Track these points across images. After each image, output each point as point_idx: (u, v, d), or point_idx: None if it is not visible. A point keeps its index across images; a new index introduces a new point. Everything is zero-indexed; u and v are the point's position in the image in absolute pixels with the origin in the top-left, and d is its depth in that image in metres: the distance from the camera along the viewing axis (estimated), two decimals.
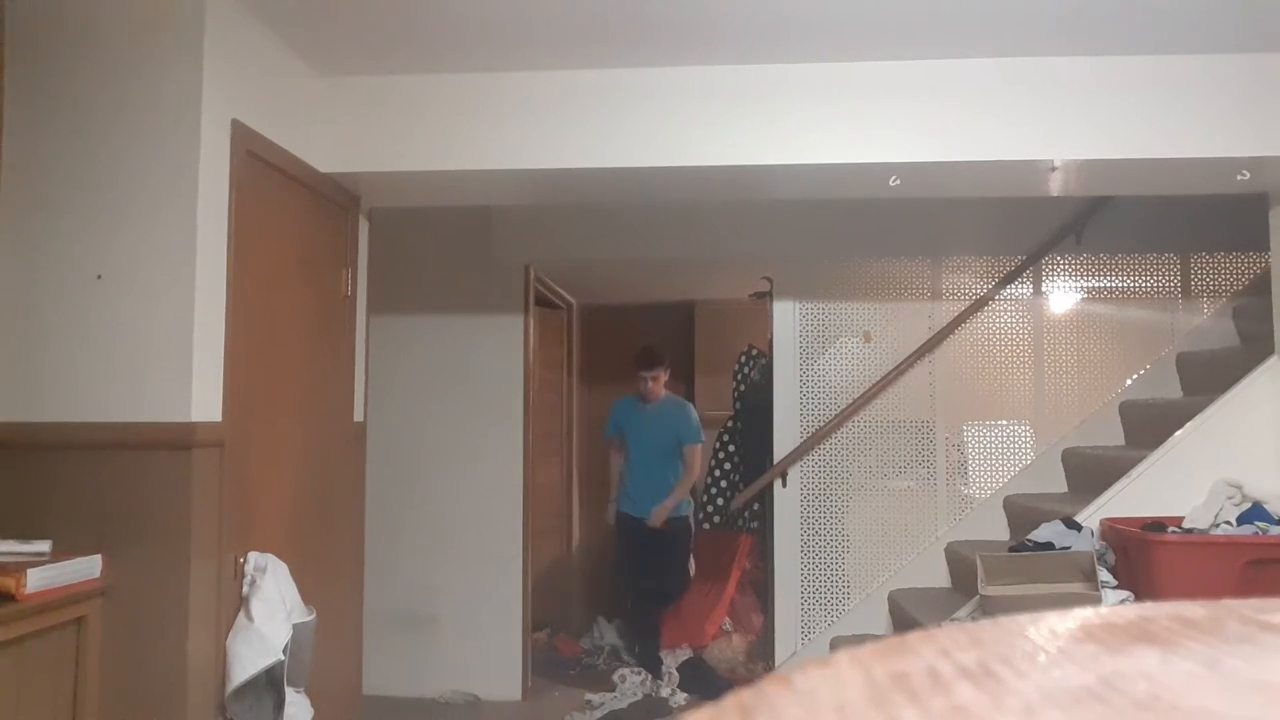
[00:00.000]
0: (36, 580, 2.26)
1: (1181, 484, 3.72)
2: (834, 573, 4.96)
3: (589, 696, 4.97)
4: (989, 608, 3.40)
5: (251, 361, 2.89)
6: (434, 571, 4.96)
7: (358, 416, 3.72)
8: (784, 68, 3.31)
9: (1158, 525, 3.51)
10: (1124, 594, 3.31)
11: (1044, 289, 5.04)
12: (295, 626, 2.81)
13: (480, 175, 3.41)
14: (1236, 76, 3.24)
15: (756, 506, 5.41)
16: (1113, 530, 3.60)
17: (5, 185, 2.64)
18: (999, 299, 4.98)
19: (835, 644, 4.94)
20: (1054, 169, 3.40)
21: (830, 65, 3.32)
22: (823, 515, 4.97)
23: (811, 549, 4.96)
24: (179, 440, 2.56)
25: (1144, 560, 3.34)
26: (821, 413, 5.00)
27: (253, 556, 2.82)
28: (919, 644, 0.12)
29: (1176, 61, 3.26)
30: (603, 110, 3.36)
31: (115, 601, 2.51)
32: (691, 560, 5.55)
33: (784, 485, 4.96)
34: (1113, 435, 4.86)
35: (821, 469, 4.98)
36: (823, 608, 4.93)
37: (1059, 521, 3.70)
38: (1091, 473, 4.40)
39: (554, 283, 6.01)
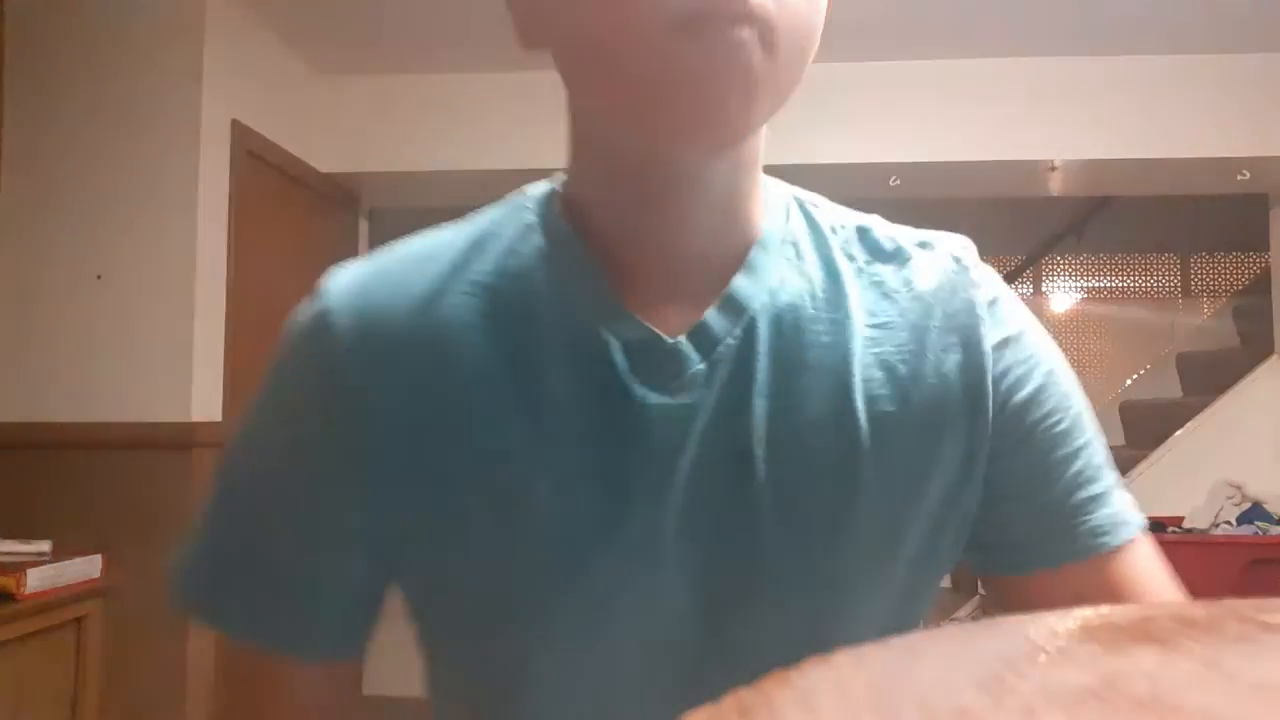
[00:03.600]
0: (36, 580, 2.26)
1: (1181, 484, 3.72)
2: None
3: None
4: (989, 608, 3.40)
5: (252, 361, 2.89)
6: None
7: None
8: None
9: (1158, 525, 3.51)
10: None
11: (1044, 289, 5.04)
12: None
13: (480, 175, 3.41)
14: (1236, 76, 3.24)
15: None
16: None
17: (6, 185, 2.65)
18: None
19: None
20: (1054, 169, 3.40)
21: (830, 65, 3.31)
22: None
23: None
24: (179, 440, 2.56)
25: None
26: None
27: None
28: (920, 643, 0.12)
29: (1177, 61, 3.26)
30: None
31: (115, 601, 2.51)
32: None
33: None
34: (1113, 435, 4.86)
35: None
36: None
37: None
38: None
39: None
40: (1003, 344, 0.53)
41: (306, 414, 0.53)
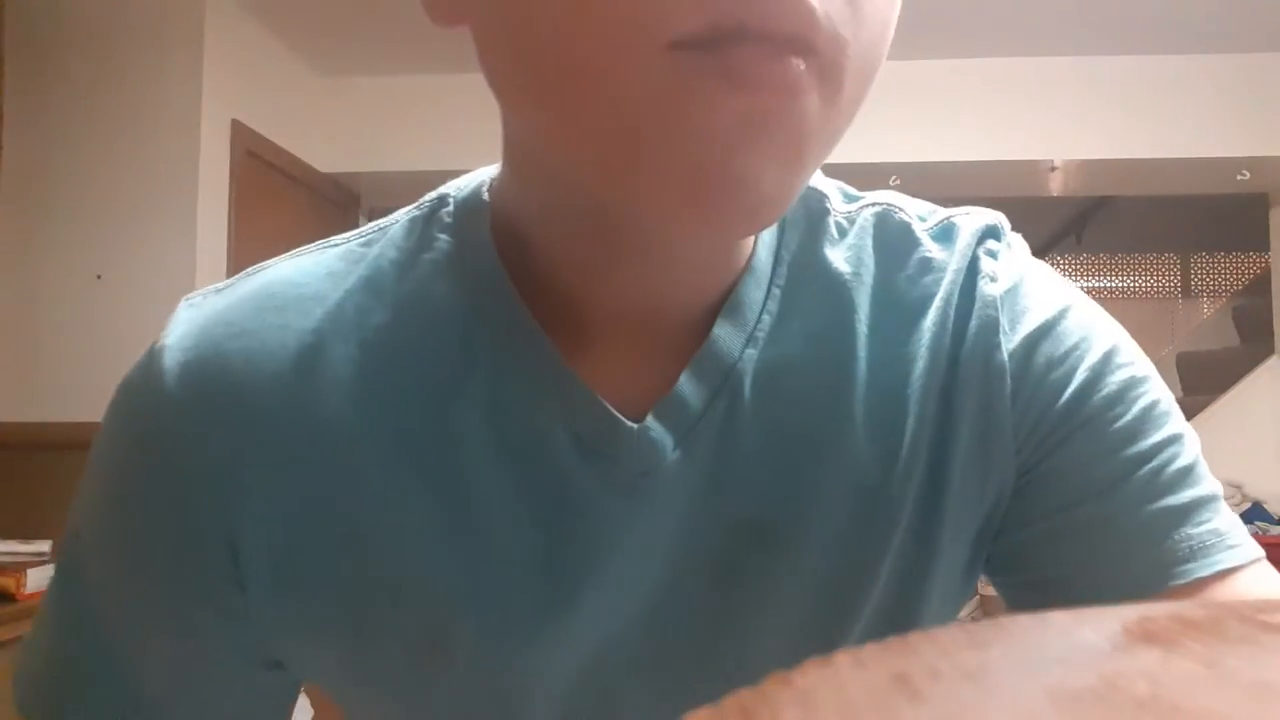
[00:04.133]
0: (36, 580, 2.26)
1: None
2: None
3: None
4: (989, 608, 3.40)
5: None
6: None
7: None
8: None
9: None
10: None
11: None
12: None
13: None
14: (1236, 76, 3.24)
15: None
16: None
17: (5, 185, 2.64)
18: None
19: None
20: (1054, 169, 3.40)
21: None
22: None
23: None
24: None
25: None
26: None
27: None
28: (920, 644, 0.12)
29: (1177, 61, 3.26)
30: None
31: None
32: None
33: None
34: None
35: None
36: None
37: None
38: None
39: None
40: (1030, 340, 0.41)
41: (137, 518, 0.39)
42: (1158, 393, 0.41)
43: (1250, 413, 3.78)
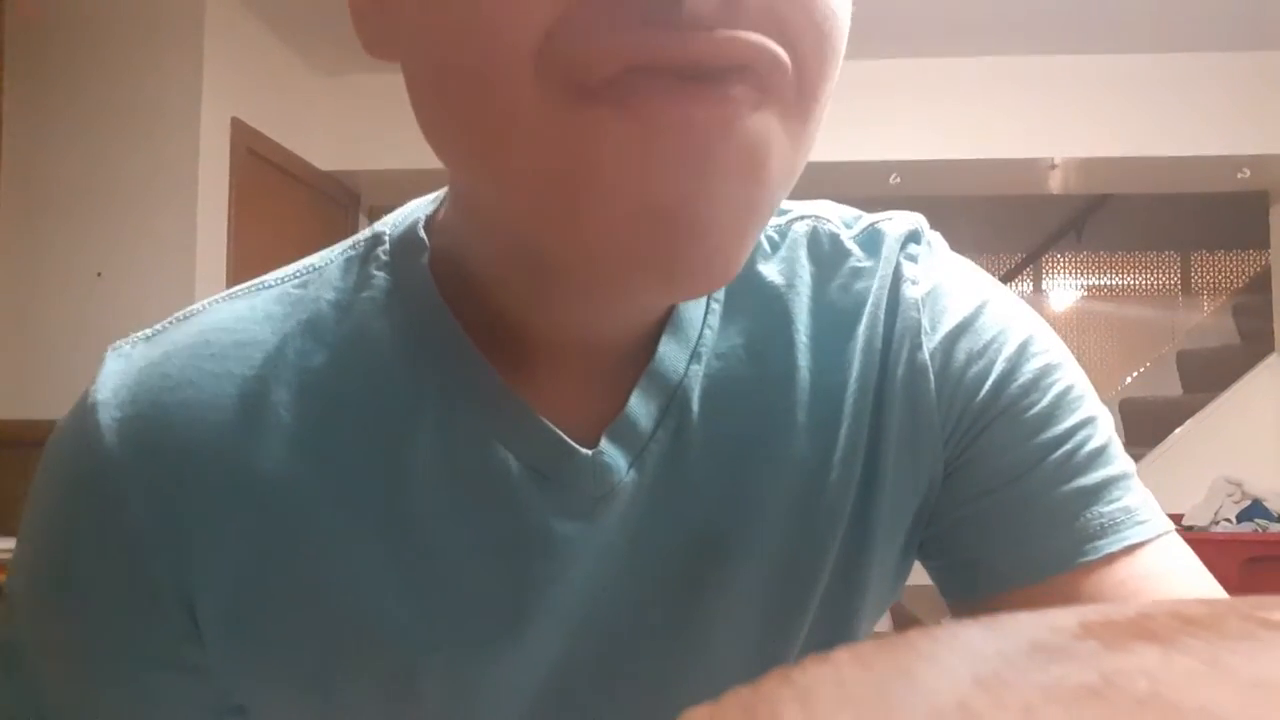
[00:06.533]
0: None
1: (1181, 482, 3.72)
2: None
3: None
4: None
5: None
6: None
7: None
8: None
9: None
10: None
11: (1044, 286, 5.04)
12: None
13: None
14: (1237, 75, 3.24)
15: None
16: None
17: (6, 185, 2.65)
18: None
19: None
20: (1054, 167, 3.40)
21: None
22: None
23: None
24: None
25: None
26: None
27: None
28: (919, 641, 0.12)
29: (1177, 59, 3.26)
30: None
31: None
32: None
33: None
34: None
35: None
36: None
37: None
38: None
39: None
40: (950, 338, 0.42)
41: (86, 586, 0.37)
42: (1071, 378, 0.43)
43: (1250, 411, 3.78)
